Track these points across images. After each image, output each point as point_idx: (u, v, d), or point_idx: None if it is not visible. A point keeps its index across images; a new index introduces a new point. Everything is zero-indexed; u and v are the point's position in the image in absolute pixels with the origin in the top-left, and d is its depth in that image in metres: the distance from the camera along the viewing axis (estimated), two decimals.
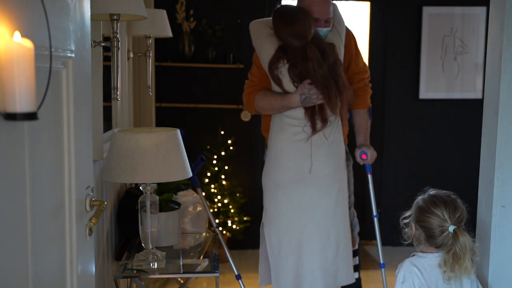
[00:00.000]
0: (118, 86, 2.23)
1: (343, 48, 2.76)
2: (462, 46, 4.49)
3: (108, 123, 2.60)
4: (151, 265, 2.32)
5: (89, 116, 1.53)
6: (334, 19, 2.74)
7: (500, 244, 2.01)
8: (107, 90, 2.24)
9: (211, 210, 4.06)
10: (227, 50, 4.36)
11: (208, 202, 3.43)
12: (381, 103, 4.48)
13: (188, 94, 4.40)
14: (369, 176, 2.94)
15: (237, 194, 4.32)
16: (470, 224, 1.95)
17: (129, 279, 2.58)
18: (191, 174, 2.24)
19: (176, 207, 2.69)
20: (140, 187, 2.32)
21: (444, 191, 1.95)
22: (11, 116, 0.93)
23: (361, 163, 2.88)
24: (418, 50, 4.50)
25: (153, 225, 2.33)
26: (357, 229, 2.96)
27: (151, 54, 2.93)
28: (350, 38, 2.83)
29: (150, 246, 2.34)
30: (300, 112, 2.66)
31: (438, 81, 4.51)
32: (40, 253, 1.15)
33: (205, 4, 4.34)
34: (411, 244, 2.02)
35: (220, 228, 3.55)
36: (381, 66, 4.53)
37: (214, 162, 4.31)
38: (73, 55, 1.33)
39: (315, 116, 2.63)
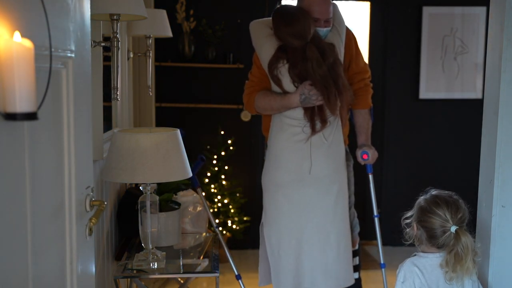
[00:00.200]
0: (118, 86, 2.23)
1: (343, 48, 2.75)
2: (462, 46, 4.49)
3: (108, 123, 2.60)
4: (151, 265, 2.32)
5: (89, 116, 1.53)
6: (334, 19, 2.73)
7: (500, 244, 2.01)
8: (107, 90, 2.24)
9: (211, 210, 4.06)
10: (227, 50, 4.36)
11: (208, 202, 3.43)
12: (381, 103, 4.48)
13: (188, 94, 4.40)
14: (370, 176, 2.94)
15: (237, 194, 4.32)
16: (471, 224, 1.95)
17: (129, 279, 2.58)
18: (191, 174, 2.24)
19: (176, 207, 2.69)
20: (140, 187, 2.32)
21: (446, 192, 1.95)
22: (11, 116, 0.93)
23: (362, 163, 2.88)
24: (418, 50, 4.50)
25: (153, 225, 2.33)
26: (357, 229, 2.96)
27: (151, 54, 2.93)
28: (350, 38, 2.83)
29: (150, 246, 2.34)
30: (299, 113, 2.66)
31: (438, 81, 4.52)
32: (40, 253, 1.15)
33: (205, 4, 4.34)
34: (412, 244, 2.02)
35: (220, 228, 3.55)
36: (381, 66, 4.53)
37: (214, 162, 4.31)
38: (73, 55, 1.33)
39: (315, 116, 2.63)
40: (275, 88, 2.70)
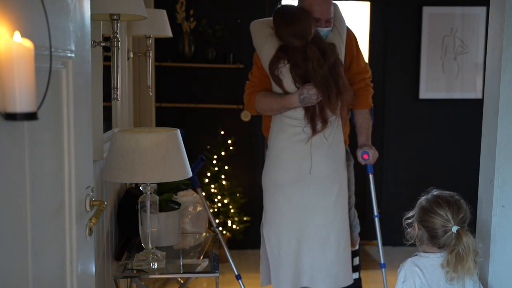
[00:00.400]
0: (118, 86, 2.23)
1: (344, 48, 2.75)
2: (462, 46, 4.49)
3: (108, 123, 2.60)
4: (151, 265, 2.32)
5: (89, 116, 1.53)
6: (335, 19, 2.73)
7: (500, 244, 2.01)
8: (107, 90, 2.23)
9: (211, 210, 4.06)
10: (227, 50, 4.36)
11: (208, 202, 3.43)
12: (381, 103, 4.48)
13: (188, 94, 4.40)
14: (371, 176, 2.94)
15: (237, 194, 4.32)
16: (472, 224, 1.95)
17: (129, 279, 2.58)
18: (191, 174, 2.24)
19: (176, 207, 2.69)
20: (140, 187, 2.32)
21: (448, 192, 1.95)
22: (11, 116, 0.93)
23: (363, 163, 2.88)
24: (418, 50, 4.50)
25: (153, 225, 2.33)
26: (357, 229, 2.96)
27: (151, 54, 2.93)
28: (351, 38, 2.83)
29: (150, 246, 2.34)
30: (300, 113, 2.66)
31: (438, 81, 4.52)
32: (40, 253, 1.15)
33: (205, 4, 4.34)
34: (412, 244, 2.01)
35: (220, 228, 3.55)
36: (381, 66, 4.53)
37: (214, 162, 4.31)
38: (73, 55, 1.33)
39: (316, 117, 2.63)
40: (275, 88, 2.70)
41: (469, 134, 4.47)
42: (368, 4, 4.53)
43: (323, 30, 2.67)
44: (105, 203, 1.53)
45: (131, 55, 2.91)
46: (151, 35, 2.88)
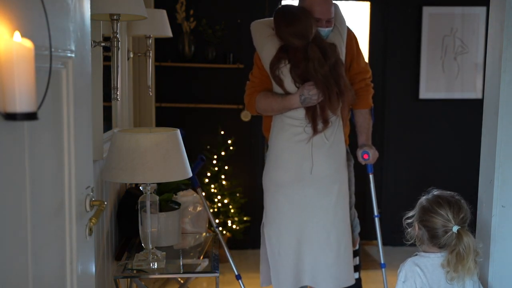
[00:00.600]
0: (118, 86, 2.23)
1: (344, 48, 2.75)
2: (462, 46, 4.49)
3: (108, 123, 2.60)
4: (151, 265, 2.32)
5: (89, 116, 1.53)
6: (335, 19, 2.73)
7: (500, 244, 2.01)
8: (107, 90, 2.23)
9: (211, 210, 4.06)
10: (227, 50, 4.36)
11: (208, 202, 3.43)
12: (381, 103, 4.48)
13: (188, 94, 4.40)
14: (371, 176, 2.94)
15: (237, 194, 4.32)
16: (472, 224, 1.95)
17: (129, 279, 2.58)
18: (191, 174, 2.24)
19: (176, 207, 2.69)
20: (140, 187, 2.32)
21: (448, 192, 1.95)
22: (11, 116, 0.93)
23: (363, 163, 2.88)
24: (418, 50, 4.50)
25: (153, 225, 2.33)
26: (357, 229, 2.96)
27: (151, 54, 2.93)
28: (351, 38, 2.83)
29: (150, 246, 2.34)
30: (301, 113, 2.65)
31: (438, 81, 4.51)
32: (40, 253, 1.15)
33: (205, 4, 4.34)
34: (412, 244, 2.02)
35: (220, 228, 3.55)
36: (381, 66, 4.53)
37: (214, 162, 4.31)
38: (73, 55, 1.33)
39: (317, 117, 2.63)
40: (276, 88, 2.70)
41: (469, 134, 4.47)
42: (368, 4, 4.53)
43: (324, 30, 2.67)
44: (105, 203, 1.53)
45: (131, 55, 2.91)
46: (151, 35, 2.88)
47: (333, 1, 2.73)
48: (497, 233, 2.01)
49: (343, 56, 2.72)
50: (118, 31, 2.11)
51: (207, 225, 3.01)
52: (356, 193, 3.02)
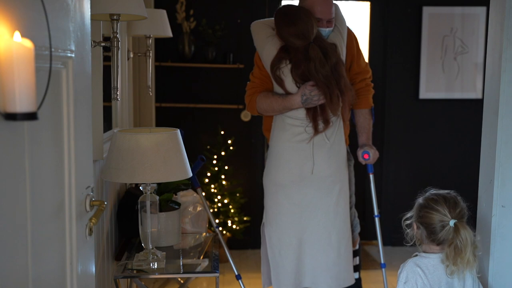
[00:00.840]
0: (118, 86, 2.23)
1: (345, 48, 2.75)
2: (462, 46, 4.49)
3: (108, 123, 2.60)
4: (151, 265, 2.32)
5: (89, 116, 1.53)
6: (336, 19, 2.73)
7: (500, 244, 2.01)
8: (107, 90, 2.23)
9: (211, 210, 4.06)
10: (227, 50, 4.36)
11: (208, 202, 3.43)
12: (381, 103, 4.48)
13: (188, 94, 4.40)
14: (371, 176, 2.94)
15: (237, 194, 4.32)
16: (472, 224, 1.95)
17: (129, 279, 2.58)
18: (191, 174, 2.24)
19: (176, 207, 2.69)
20: (140, 187, 2.32)
21: (445, 190, 1.97)
22: (11, 116, 0.93)
23: (363, 163, 2.89)
24: (418, 50, 4.50)
25: (153, 225, 2.33)
26: (357, 229, 2.96)
27: (151, 54, 2.93)
28: (352, 38, 2.83)
29: (150, 246, 2.34)
30: (301, 113, 2.66)
31: (438, 81, 4.52)
32: (40, 253, 1.15)
33: (205, 4, 4.34)
34: (413, 245, 2.02)
35: (220, 228, 3.55)
36: (381, 66, 4.53)
37: (214, 162, 4.31)
38: (73, 55, 1.33)
39: (317, 117, 2.63)
40: (277, 89, 2.70)
41: (469, 134, 4.47)
42: (368, 4, 4.53)
43: (325, 30, 2.67)
44: (105, 203, 1.53)
45: (131, 55, 2.91)
46: (151, 35, 2.88)
47: (333, 2, 2.73)
48: (497, 233, 2.01)
49: (343, 56, 2.72)
50: (118, 31, 2.11)
51: (207, 225, 3.01)
52: (356, 193, 3.02)
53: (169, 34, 2.91)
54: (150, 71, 3.05)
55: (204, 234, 2.89)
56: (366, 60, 3.41)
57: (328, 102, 2.59)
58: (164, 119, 4.28)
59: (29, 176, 1.07)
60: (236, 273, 2.95)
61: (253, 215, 4.33)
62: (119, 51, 2.17)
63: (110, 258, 2.50)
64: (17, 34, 0.93)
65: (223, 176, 4.29)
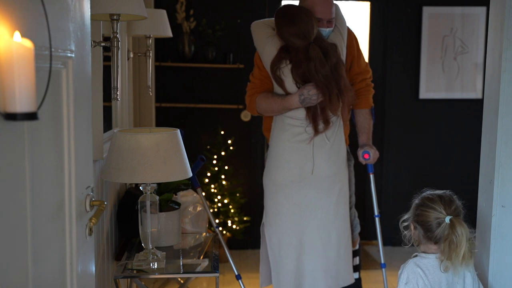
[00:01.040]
0: (118, 86, 2.23)
1: (345, 48, 2.76)
2: (462, 46, 4.49)
3: (108, 123, 2.60)
4: (151, 265, 2.32)
5: (89, 116, 1.53)
6: (336, 19, 2.73)
7: (500, 244, 2.01)
8: (107, 90, 2.23)
9: (211, 210, 4.06)
10: (227, 50, 4.36)
11: (208, 202, 3.43)
12: (381, 103, 4.48)
13: (188, 94, 4.40)
14: (371, 176, 2.95)
15: (237, 194, 4.32)
16: (471, 224, 1.95)
17: (129, 279, 2.58)
18: (191, 174, 2.24)
19: (176, 207, 2.69)
20: (140, 187, 2.32)
21: (440, 190, 1.98)
22: (11, 116, 0.93)
23: (364, 162, 2.89)
24: (418, 50, 4.50)
25: (153, 225, 2.33)
26: (357, 229, 2.96)
27: (151, 54, 2.93)
28: (352, 39, 2.83)
29: (150, 246, 2.34)
30: (302, 113, 2.66)
31: (438, 81, 4.52)
32: (40, 253, 1.15)
33: (205, 4, 4.34)
34: (411, 246, 2.02)
35: (220, 228, 3.55)
36: (381, 66, 4.53)
37: (214, 162, 4.31)
38: (73, 55, 1.33)
39: (317, 117, 2.63)
40: (277, 89, 2.70)
41: (469, 134, 4.47)
42: (368, 4, 4.53)
43: (325, 30, 2.67)
44: (105, 203, 1.53)
45: (131, 55, 2.91)
46: (151, 35, 2.88)
47: (334, 2, 2.73)
48: (497, 233, 2.01)
49: (343, 57, 2.72)
50: (118, 31, 2.11)
51: (207, 225, 3.01)
52: (356, 193, 3.02)
53: (169, 34, 2.91)
54: (150, 71, 3.05)
55: (204, 234, 2.89)
56: (366, 60, 3.41)
57: (327, 102, 2.59)
58: (164, 119, 4.28)
59: (29, 176, 1.07)
60: (236, 273, 2.95)
61: (253, 215, 4.33)
62: (119, 51, 2.17)
63: (110, 258, 2.50)
64: (17, 34, 0.93)
65: (223, 176, 4.29)
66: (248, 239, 4.37)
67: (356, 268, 2.94)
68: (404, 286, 1.91)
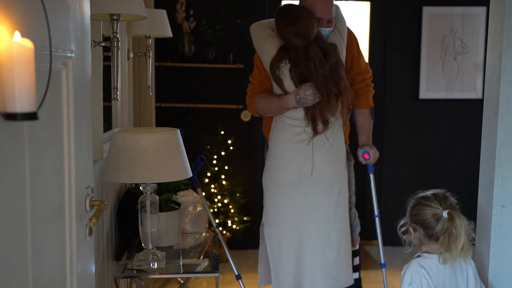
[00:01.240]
0: (118, 86, 2.23)
1: (345, 49, 2.76)
2: (462, 46, 4.49)
3: (108, 123, 2.60)
4: (151, 265, 2.32)
5: (89, 116, 1.53)
6: (336, 20, 2.74)
7: (500, 244, 2.01)
8: (107, 90, 2.23)
9: (211, 210, 4.06)
10: (227, 50, 4.36)
11: (208, 202, 3.43)
12: (381, 103, 4.48)
13: (188, 94, 4.40)
14: (371, 176, 2.94)
15: (237, 194, 4.32)
16: (473, 225, 1.96)
17: (129, 279, 2.58)
18: (191, 174, 2.24)
19: (176, 207, 2.69)
20: (140, 187, 2.32)
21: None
22: (11, 116, 0.93)
23: (364, 162, 2.89)
24: (418, 50, 4.50)
25: (153, 225, 2.33)
26: (358, 229, 2.96)
27: (151, 54, 2.93)
28: (352, 39, 2.84)
29: (150, 246, 2.34)
30: (301, 113, 2.66)
31: (438, 81, 4.51)
32: (40, 253, 1.15)
33: (205, 4, 4.34)
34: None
35: (220, 228, 3.55)
36: (381, 66, 4.53)
37: (214, 162, 4.31)
38: (73, 55, 1.33)
39: (316, 117, 2.63)
40: (276, 89, 2.70)
41: (469, 134, 4.47)
42: (368, 4, 4.53)
43: (325, 30, 2.67)
44: (105, 203, 1.53)
45: (131, 55, 2.91)
46: (151, 35, 2.88)
47: (334, 2, 2.73)
48: (497, 233, 2.01)
49: (343, 57, 2.73)
50: (118, 31, 2.11)
51: (207, 225, 3.01)
52: (356, 193, 3.02)
53: (169, 34, 2.91)
54: (150, 71, 3.05)
55: (204, 234, 2.89)
56: (366, 60, 3.41)
57: (325, 102, 2.59)
58: (164, 119, 4.28)
59: (29, 176, 1.07)
60: (236, 273, 2.95)
61: (253, 215, 4.33)
62: (119, 51, 2.17)
63: (110, 258, 2.50)
64: (17, 34, 0.93)
65: (223, 176, 4.29)
66: (248, 239, 4.37)
67: (356, 268, 2.94)
68: (408, 286, 1.91)
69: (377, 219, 2.95)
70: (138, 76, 3.72)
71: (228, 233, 4.25)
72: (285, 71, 2.63)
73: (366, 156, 2.84)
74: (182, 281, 2.96)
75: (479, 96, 4.48)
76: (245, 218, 4.34)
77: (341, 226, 2.75)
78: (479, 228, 2.10)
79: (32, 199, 1.09)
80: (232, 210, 4.27)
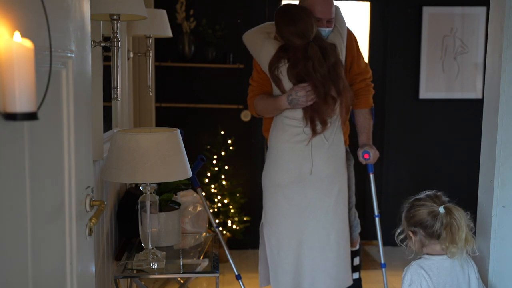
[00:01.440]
0: (118, 86, 2.23)
1: (344, 49, 2.76)
2: (462, 46, 4.49)
3: (108, 123, 2.60)
4: (151, 265, 2.32)
5: (89, 116, 1.53)
6: (336, 20, 2.74)
7: (500, 244, 2.01)
8: (107, 90, 2.23)
9: (211, 210, 4.06)
10: (227, 50, 4.36)
11: (208, 202, 3.43)
12: (381, 103, 4.48)
13: (188, 94, 4.40)
14: (371, 176, 2.94)
15: (237, 194, 4.32)
16: (473, 225, 1.96)
17: (129, 279, 2.58)
18: (191, 174, 2.24)
19: (176, 207, 2.69)
20: (140, 187, 2.32)
21: None
22: (11, 116, 0.93)
23: (364, 162, 2.89)
24: (418, 50, 4.50)
25: (153, 225, 2.33)
26: (358, 229, 2.96)
27: (151, 54, 2.93)
28: (351, 39, 2.84)
29: (150, 246, 2.34)
30: (299, 113, 2.66)
31: (438, 81, 4.51)
32: (40, 253, 1.15)
33: (205, 4, 4.34)
34: (414, 258, 2.02)
35: (220, 228, 3.55)
36: (381, 66, 4.53)
37: (214, 162, 4.31)
38: (73, 55, 1.33)
39: (314, 118, 2.63)
40: (276, 90, 2.71)
41: (469, 134, 4.47)
42: (368, 4, 4.53)
43: (324, 30, 2.67)
44: (105, 203, 1.53)
45: (131, 55, 2.91)
46: (151, 35, 2.88)
47: (334, 2, 2.73)
48: (497, 233, 2.01)
49: (343, 57, 2.73)
50: (118, 31, 2.11)
51: (207, 225, 3.01)
52: (356, 193, 3.02)
53: (169, 34, 2.91)
54: (150, 71, 3.05)
55: (204, 234, 2.89)
56: (366, 60, 3.41)
57: (322, 102, 2.59)
58: (164, 119, 4.28)
59: (29, 176, 1.07)
60: (236, 273, 2.95)
61: (253, 215, 4.33)
62: (119, 51, 2.17)
63: (110, 258, 2.50)
64: (17, 34, 0.93)
65: (223, 176, 4.29)
66: (248, 239, 4.37)
67: (356, 268, 2.94)
68: (408, 287, 1.91)
69: (377, 219, 2.95)
70: (138, 76, 3.72)
71: (228, 233, 4.25)
72: (283, 70, 2.63)
73: (366, 156, 2.84)
74: (182, 281, 2.96)
75: (479, 96, 4.48)
76: (245, 218, 4.34)
77: (341, 226, 2.75)
78: (479, 228, 2.10)
79: (32, 199, 1.09)
80: (232, 210, 4.27)
